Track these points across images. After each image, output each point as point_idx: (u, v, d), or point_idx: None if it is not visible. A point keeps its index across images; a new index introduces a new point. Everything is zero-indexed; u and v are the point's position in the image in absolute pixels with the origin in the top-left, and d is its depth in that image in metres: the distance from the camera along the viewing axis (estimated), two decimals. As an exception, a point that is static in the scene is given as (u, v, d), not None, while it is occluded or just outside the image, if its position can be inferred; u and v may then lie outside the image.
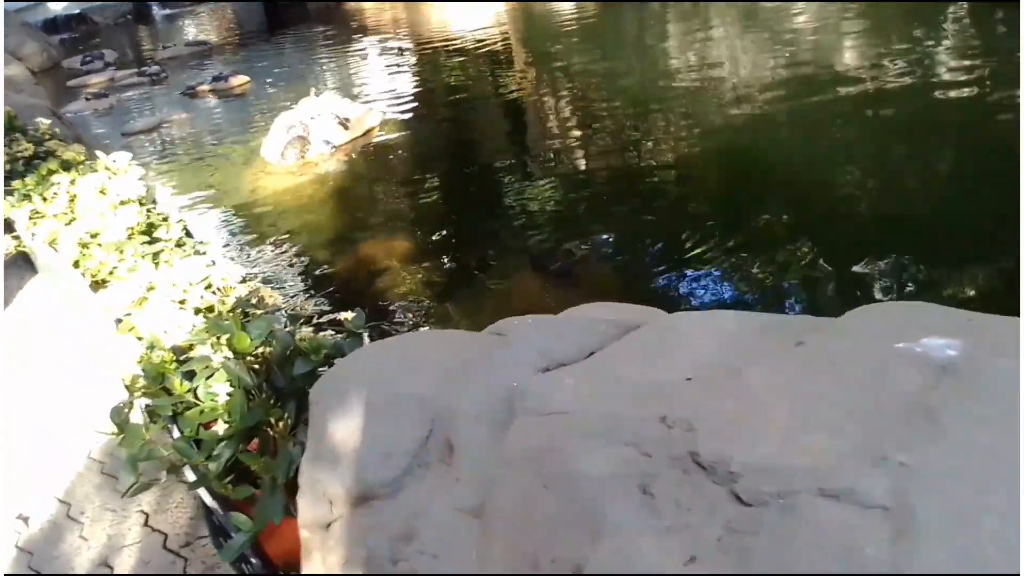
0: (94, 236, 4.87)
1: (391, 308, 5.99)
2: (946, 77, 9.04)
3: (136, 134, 11.81)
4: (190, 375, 3.20)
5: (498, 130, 10.70)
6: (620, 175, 8.31)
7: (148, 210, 5.06)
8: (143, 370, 3.32)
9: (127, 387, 3.37)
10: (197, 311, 3.64)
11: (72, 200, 5.33)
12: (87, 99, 14.40)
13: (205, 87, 14.08)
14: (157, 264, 4.28)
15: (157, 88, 15.43)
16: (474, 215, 7.76)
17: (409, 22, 20.89)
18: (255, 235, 7.53)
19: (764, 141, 8.45)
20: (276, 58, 17.68)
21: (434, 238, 7.15)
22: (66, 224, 5.09)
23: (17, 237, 5.64)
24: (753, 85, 10.30)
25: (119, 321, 4.02)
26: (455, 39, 16.37)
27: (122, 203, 5.02)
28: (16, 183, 5.79)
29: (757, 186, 7.36)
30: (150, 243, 4.47)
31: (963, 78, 8.77)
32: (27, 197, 5.53)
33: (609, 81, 11.86)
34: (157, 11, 29.31)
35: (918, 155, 7.50)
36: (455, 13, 20.89)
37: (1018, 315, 1.60)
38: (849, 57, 11.09)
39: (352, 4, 23.51)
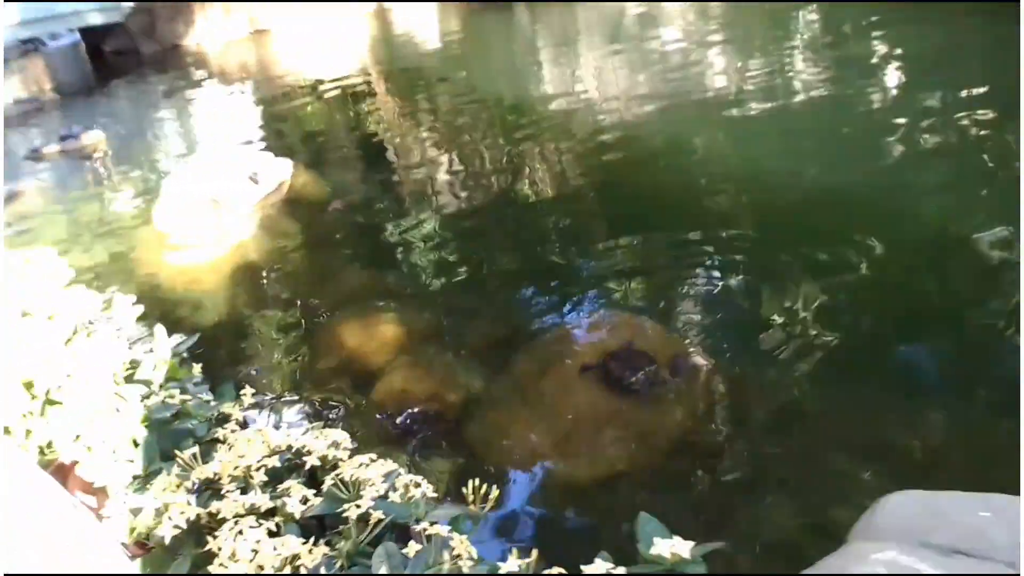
0: (29, 386, 3.14)
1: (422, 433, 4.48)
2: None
3: (-22, 211, 9.50)
4: None
5: (405, 171, 9.26)
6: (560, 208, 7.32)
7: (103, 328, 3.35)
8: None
9: None
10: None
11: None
12: (-98, 173, 11.73)
13: (53, 148, 11.72)
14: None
15: (-12, 154, 12.88)
16: (437, 276, 6.34)
17: (259, 66, 18.96)
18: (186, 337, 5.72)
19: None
20: (122, 112, 15.44)
21: (408, 313, 5.65)
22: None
23: None
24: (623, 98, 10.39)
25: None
26: (316, 81, 14.72)
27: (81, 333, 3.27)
28: None
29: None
30: (147, 396, 2.81)
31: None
32: None
33: (491, 107, 11.09)
34: (-43, 68, 25.63)
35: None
36: (306, 53, 19.20)
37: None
38: (717, 66, 11.38)
39: (191, 48, 21.21)
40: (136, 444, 2.65)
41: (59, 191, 10.05)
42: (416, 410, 4.57)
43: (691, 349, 4.64)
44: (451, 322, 5.50)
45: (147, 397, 2.83)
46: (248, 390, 2.91)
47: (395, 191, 8.52)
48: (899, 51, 10.13)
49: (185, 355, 3.31)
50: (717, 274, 5.59)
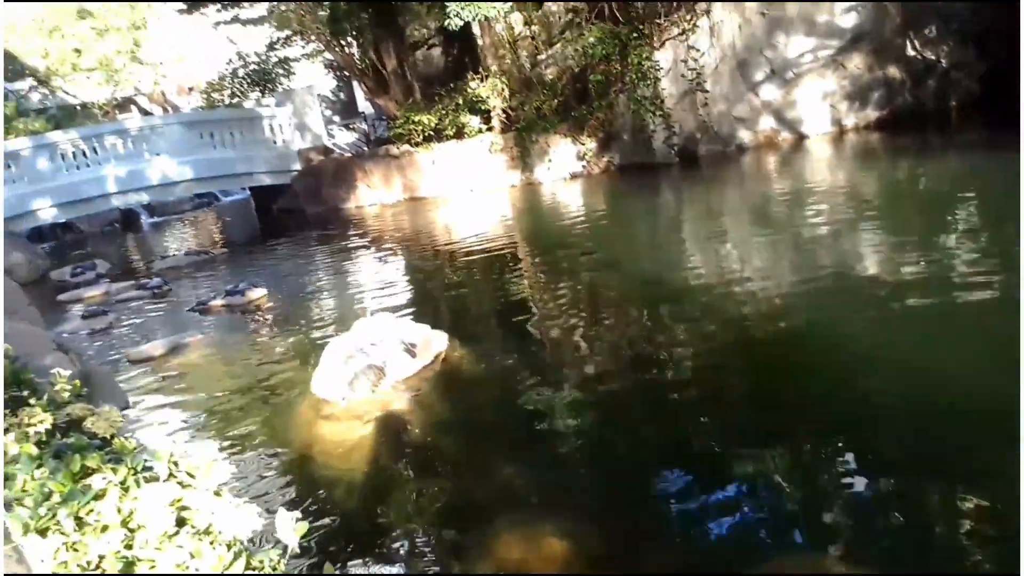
0: (181, 615, 2.64)
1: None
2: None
3: (145, 361, 9.58)
4: None
5: (558, 350, 8.65)
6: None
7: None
8: None
9: None
10: None
11: (130, 528, 3.08)
12: (83, 317, 12.20)
13: (218, 302, 12.01)
14: None
15: (161, 303, 13.31)
16: (600, 479, 5.62)
17: (413, 227, 19.43)
18: (341, 527, 5.21)
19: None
20: (284, 269, 15.84)
21: (572, 523, 4.88)
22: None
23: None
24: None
25: None
26: (467, 248, 14.76)
27: (229, 547, 2.81)
28: (28, 484, 3.43)
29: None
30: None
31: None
32: (46, 523, 3.21)
33: (636, 283, 10.41)
34: (145, 219, 27.67)
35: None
36: (458, 220, 19.59)
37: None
38: (868, 251, 10.37)
39: (352, 211, 22.12)
40: None
41: (221, 346, 10.08)
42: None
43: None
44: (623, 542, 4.76)
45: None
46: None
47: (550, 373, 7.93)
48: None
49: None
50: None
